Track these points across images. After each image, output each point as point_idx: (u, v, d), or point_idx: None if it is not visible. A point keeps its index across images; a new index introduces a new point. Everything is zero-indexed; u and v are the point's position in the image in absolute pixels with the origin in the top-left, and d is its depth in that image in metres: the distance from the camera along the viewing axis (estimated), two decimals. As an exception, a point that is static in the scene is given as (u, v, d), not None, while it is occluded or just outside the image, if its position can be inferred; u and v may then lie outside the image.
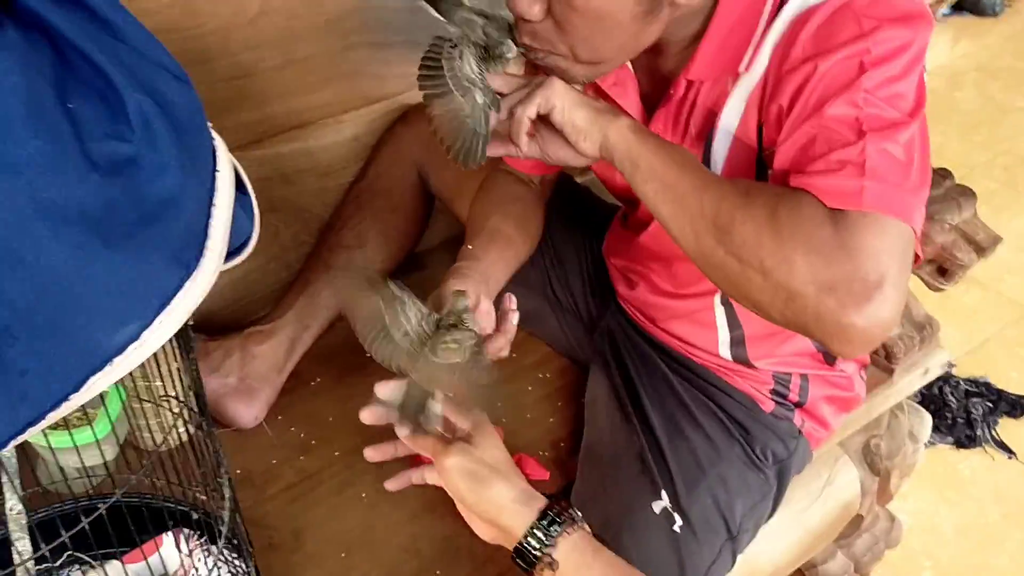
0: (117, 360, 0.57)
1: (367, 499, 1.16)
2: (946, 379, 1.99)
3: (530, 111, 0.86)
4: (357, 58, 1.40)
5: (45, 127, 0.55)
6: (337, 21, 1.35)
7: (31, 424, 0.56)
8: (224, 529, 0.92)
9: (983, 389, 1.98)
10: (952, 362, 2.05)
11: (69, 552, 0.92)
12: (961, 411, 1.93)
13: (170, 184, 0.60)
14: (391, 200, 1.38)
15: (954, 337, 2.19)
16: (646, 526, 1.05)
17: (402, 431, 0.92)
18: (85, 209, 0.55)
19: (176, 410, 0.95)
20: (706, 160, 0.95)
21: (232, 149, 0.71)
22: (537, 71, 0.99)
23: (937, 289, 1.30)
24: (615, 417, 1.15)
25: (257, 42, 1.29)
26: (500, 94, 0.90)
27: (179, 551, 0.97)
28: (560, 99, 0.85)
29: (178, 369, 0.90)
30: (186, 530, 0.99)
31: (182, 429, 1.00)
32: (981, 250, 1.24)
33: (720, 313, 1.10)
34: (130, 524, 0.92)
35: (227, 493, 0.92)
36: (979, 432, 1.91)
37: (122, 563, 0.91)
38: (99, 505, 0.81)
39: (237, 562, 0.97)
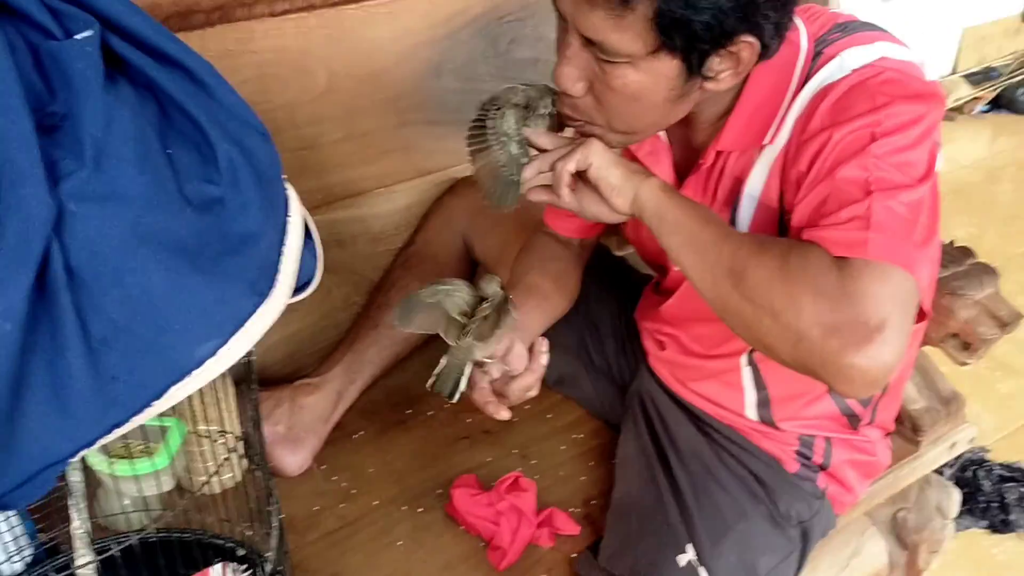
0: (196, 373, 0.65)
1: (403, 547, 1.21)
2: (980, 463, 1.99)
3: (570, 166, 0.94)
4: (411, 134, 1.51)
5: (150, 167, 0.64)
6: (395, 100, 1.47)
7: (117, 426, 0.64)
8: (270, 566, 0.98)
9: (1017, 475, 1.98)
10: (986, 447, 2.07)
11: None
12: (995, 495, 1.93)
13: (250, 223, 0.69)
14: (437, 264, 1.46)
15: (988, 422, 2.19)
16: (672, 578, 1.08)
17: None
18: (179, 239, 0.64)
19: (231, 446, 1.02)
20: (733, 223, 1.03)
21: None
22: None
23: (962, 363, 1.34)
24: (644, 474, 1.20)
25: (321, 117, 1.41)
26: (544, 150, 0.99)
27: (226, 583, 1.03)
28: (597, 158, 0.94)
29: (238, 407, 0.98)
30: (233, 564, 1.05)
31: (236, 465, 1.07)
32: (1004, 325, 1.28)
33: (747, 374, 1.15)
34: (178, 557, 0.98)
35: (275, 524, 0.98)
36: (1013, 517, 1.90)
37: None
38: (151, 537, 0.87)
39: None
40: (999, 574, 1.89)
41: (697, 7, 0.82)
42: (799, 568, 1.18)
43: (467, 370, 1.00)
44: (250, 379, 0.90)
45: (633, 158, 1.08)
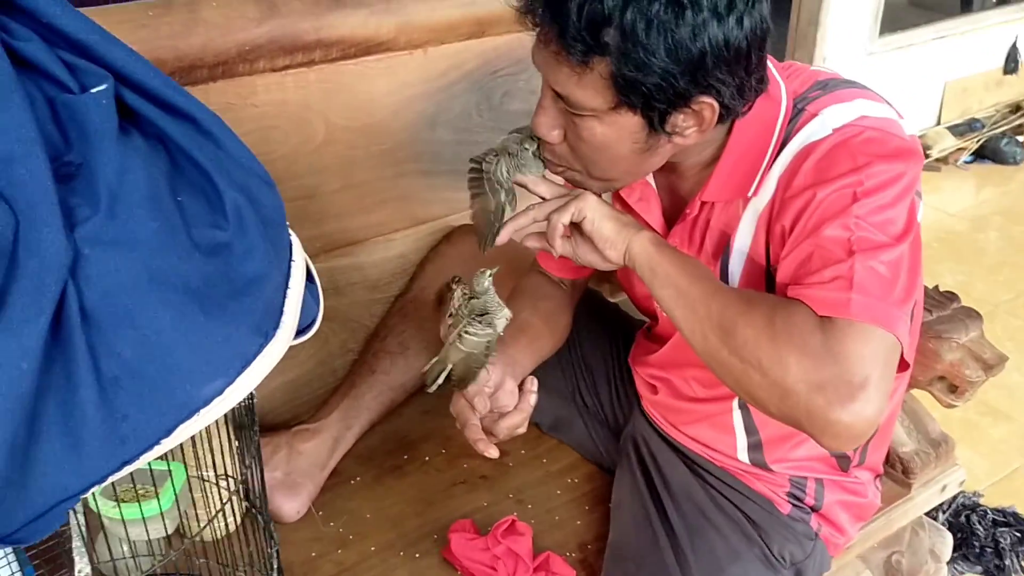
0: (203, 411, 0.67)
1: (400, 593, 1.22)
2: (973, 508, 2.00)
3: (564, 218, 0.98)
4: (408, 184, 1.55)
5: (160, 213, 0.67)
6: (391, 151, 1.51)
7: (127, 463, 0.65)
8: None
9: (1011, 519, 1.98)
10: (979, 492, 2.08)
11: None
12: (989, 540, 1.94)
13: (256, 266, 0.72)
14: (434, 311, 1.49)
15: (981, 467, 2.21)
16: (667, 620, 1.09)
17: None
18: (188, 282, 0.66)
19: (233, 489, 1.03)
20: (723, 277, 1.06)
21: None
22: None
23: (950, 406, 1.36)
24: (638, 516, 1.21)
25: (320, 168, 1.44)
26: (543, 198, 1.04)
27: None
28: (592, 211, 0.98)
29: (238, 450, 0.99)
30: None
31: (236, 509, 1.08)
32: (989, 368, 1.31)
33: (738, 418, 1.17)
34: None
35: (275, 566, 0.99)
36: (1008, 562, 1.91)
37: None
38: None
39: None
40: (995, 619, 1.89)
41: (647, 70, 0.87)
42: (794, 610, 1.19)
43: (447, 371, 1.09)
44: (252, 422, 0.92)
45: (624, 203, 1.12)
